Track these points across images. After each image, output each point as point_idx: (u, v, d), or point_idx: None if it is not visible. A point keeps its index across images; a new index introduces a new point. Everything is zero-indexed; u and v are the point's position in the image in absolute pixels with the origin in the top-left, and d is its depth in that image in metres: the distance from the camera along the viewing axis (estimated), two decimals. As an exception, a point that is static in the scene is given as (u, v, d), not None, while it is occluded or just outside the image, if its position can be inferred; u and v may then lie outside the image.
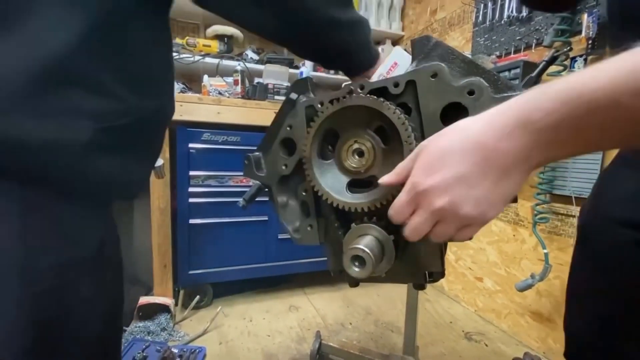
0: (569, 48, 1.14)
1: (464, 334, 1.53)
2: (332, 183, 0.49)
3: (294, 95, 0.53)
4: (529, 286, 1.33)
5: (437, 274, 0.50)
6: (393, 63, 0.51)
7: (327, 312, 1.66)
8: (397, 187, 0.43)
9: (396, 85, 0.44)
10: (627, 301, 0.47)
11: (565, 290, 0.58)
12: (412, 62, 0.45)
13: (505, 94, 0.40)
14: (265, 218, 1.68)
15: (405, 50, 0.51)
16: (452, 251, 1.89)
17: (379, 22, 2.29)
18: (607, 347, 0.50)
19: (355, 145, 0.47)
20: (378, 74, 0.53)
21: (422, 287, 0.53)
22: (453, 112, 0.42)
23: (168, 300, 1.47)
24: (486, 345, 1.45)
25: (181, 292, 1.62)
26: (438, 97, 0.42)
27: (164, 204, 1.51)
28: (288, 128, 0.54)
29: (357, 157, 0.47)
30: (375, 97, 0.43)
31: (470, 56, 0.48)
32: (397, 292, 1.82)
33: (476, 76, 0.41)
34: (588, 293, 0.53)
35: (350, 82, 0.48)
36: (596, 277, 0.51)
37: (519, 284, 1.36)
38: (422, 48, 0.43)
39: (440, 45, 0.42)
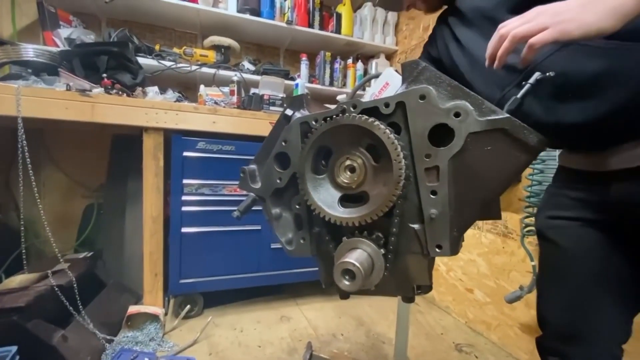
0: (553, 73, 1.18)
1: (454, 345, 1.54)
2: (325, 197, 0.50)
3: (289, 112, 0.55)
4: (518, 298, 1.35)
5: (425, 288, 0.51)
6: (385, 83, 0.53)
7: (319, 323, 1.65)
8: (386, 204, 0.45)
9: (387, 105, 0.46)
10: (581, 284, 0.61)
11: (536, 286, 0.71)
12: (402, 84, 0.47)
13: (489, 117, 0.42)
14: (258, 227, 1.68)
15: (396, 71, 0.54)
16: (443, 262, 1.91)
17: (373, 37, 2.35)
18: (569, 329, 0.63)
19: (347, 162, 0.48)
20: (370, 94, 0.55)
21: (411, 300, 0.54)
22: (440, 133, 0.45)
23: (158, 310, 1.45)
24: (476, 357, 1.46)
25: (171, 301, 1.60)
26: (426, 118, 0.44)
27: (156, 212, 1.51)
28: (283, 143, 0.56)
29: (349, 173, 0.49)
30: (367, 117, 0.45)
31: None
32: (389, 303, 1.82)
33: (462, 99, 0.43)
34: (552, 281, 0.66)
35: (343, 101, 0.50)
36: (557, 262, 0.65)
37: (508, 296, 1.38)
38: (411, 71, 0.45)
39: (427, 69, 0.45)
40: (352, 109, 0.48)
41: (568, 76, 0.52)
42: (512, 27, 0.47)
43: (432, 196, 0.45)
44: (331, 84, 2.31)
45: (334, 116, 0.48)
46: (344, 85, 2.35)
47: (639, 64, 0.48)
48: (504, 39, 0.48)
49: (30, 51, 1.46)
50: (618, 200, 0.55)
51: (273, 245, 1.72)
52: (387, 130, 0.43)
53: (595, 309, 0.60)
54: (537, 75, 0.53)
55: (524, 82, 0.54)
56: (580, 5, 0.43)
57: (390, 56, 2.45)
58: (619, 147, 0.54)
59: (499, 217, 0.49)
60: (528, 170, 1.30)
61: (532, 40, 0.44)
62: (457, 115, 0.43)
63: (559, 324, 0.65)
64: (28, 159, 1.22)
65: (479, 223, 1.69)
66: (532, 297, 1.38)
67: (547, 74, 0.54)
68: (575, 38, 0.43)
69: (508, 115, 0.41)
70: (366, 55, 2.50)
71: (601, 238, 0.59)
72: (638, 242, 0.57)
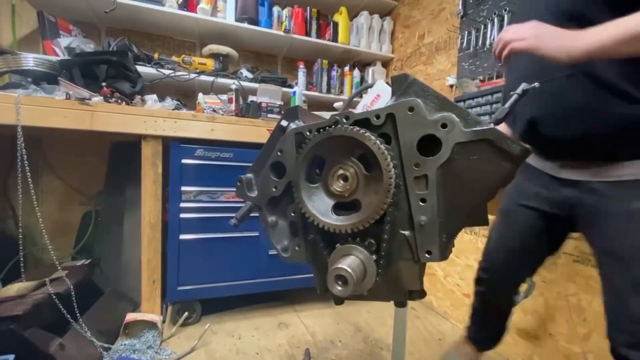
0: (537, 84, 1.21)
1: (452, 351, 1.54)
2: (319, 205, 0.52)
3: (284, 123, 0.56)
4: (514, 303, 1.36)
5: (417, 293, 0.52)
6: (376, 95, 0.55)
7: (317, 330, 1.65)
8: (377, 212, 0.46)
9: (377, 117, 0.48)
10: (513, 245, 0.94)
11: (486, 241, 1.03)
12: (391, 97, 0.49)
13: (475, 129, 0.44)
14: (256, 234, 1.69)
15: (387, 83, 0.56)
16: (441, 267, 1.92)
17: (369, 44, 2.38)
18: (490, 264, 1.01)
19: (340, 171, 0.50)
20: (362, 105, 0.57)
21: (403, 305, 0.55)
22: (428, 143, 0.47)
23: (156, 317, 1.45)
24: (474, 362, 1.46)
25: (169, 308, 1.60)
26: (415, 129, 0.46)
27: (154, 218, 1.52)
28: (279, 153, 0.57)
29: (341, 181, 0.50)
30: (358, 128, 0.47)
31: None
32: (388, 309, 1.82)
33: (448, 111, 0.45)
34: (498, 238, 0.99)
35: (336, 112, 0.52)
36: (504, 228, 0.97)
37: (504, 301, 1.39)
38: (400, 84, 0.47)
39: (416, 82, 0.47)
40: (344, 120, 0.50)
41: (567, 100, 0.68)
42: (507, 34, 0.64)
43: (421, 204, 0.46)
44: (328, 91, 2.34)
45: (327, 127, 0.50)
46: (341, 92, 2.38)
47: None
48: (499, 42, 0.65)
49: (30, 60, 1.48)
50: (561, 199, 0.79)
51: (271, 252, 1.72)
52: (378, 141, 0.45)
53: (511, 259, 0.94)
54: (523, 85, 0.56)
55: (511, 93, 0.57)
56: (555, 37, 0.60)
57: (386, 64, 2.49)
58: (571, 162, 0.75)
59: (486, 224, 0.50)
60: (522, 176, 1.31)
61: (511, 45, 0.63)
62: (444, 126, 0.44)
63: (486, 261, 1.02)
64: (27, 167, 1.23)
65: (475, 228, 1.71)
66: (529, 302, 1.39)
67: (533, 85, 0.57)
68: (539, 55, 0.60)
69: (492, 126, 0.43)
70: (363, 63, 2.54)
71: (543, 225, 0.87)
72: (561, 236, 0.90)
